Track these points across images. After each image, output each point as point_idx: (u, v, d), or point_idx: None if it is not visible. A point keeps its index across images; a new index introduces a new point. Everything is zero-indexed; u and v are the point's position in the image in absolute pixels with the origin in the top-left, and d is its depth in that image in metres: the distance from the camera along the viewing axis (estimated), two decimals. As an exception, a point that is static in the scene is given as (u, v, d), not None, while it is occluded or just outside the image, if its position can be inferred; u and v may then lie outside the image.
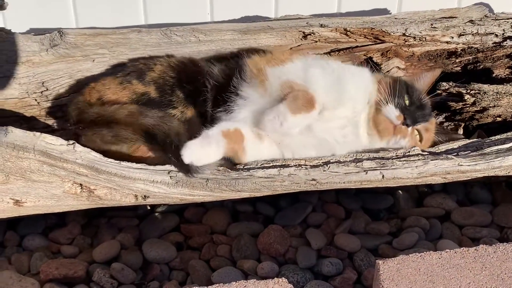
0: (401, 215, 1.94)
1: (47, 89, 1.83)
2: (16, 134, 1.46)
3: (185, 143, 1.50)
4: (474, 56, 1.99)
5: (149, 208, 1.96)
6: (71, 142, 1.50)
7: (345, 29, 1.89)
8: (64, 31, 1.83)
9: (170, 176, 1.54)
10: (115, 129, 1.57)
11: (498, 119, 1.94)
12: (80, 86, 1.81)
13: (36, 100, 1.83)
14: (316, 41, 1.92)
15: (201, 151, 1.51)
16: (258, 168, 1.58)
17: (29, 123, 1.84)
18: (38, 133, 1.48)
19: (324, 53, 1.96)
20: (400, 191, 2.00)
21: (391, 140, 1.62)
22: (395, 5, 2.34)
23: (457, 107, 1.88)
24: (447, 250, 1.50)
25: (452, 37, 1.94)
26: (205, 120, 1.66)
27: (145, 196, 1.58)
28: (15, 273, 1.69)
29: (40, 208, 1.61)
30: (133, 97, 1.64)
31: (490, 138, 1.72)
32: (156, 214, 1.95)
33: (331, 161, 1.61)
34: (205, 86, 1.68)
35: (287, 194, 1.71)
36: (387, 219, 1.93)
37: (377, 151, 1.64)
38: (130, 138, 1.56)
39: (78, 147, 1.50)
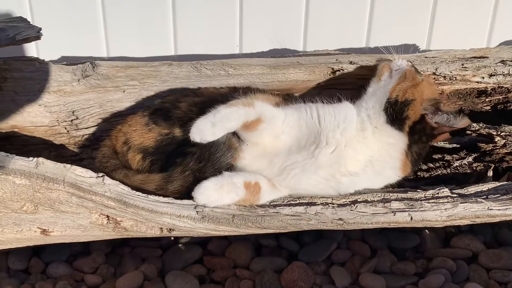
0: (428, 255, 1.91)
1: (77, 118, 1.86)
2: (47, 165, 1.48)
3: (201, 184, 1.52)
4: (504, 96, 1.97)
5: (172, 238, 1.96)
6: (100, 174, 1.51)
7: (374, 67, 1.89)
8: (97, 63, 1.86)
9: (197, 211, 1.54)
10: None
11: (529, 161, 1.91)
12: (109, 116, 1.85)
13: (65, 128, 1.86)
14: (345, 78, 1.92)
15: (218, 194, 1.53)
16: (285, 205, 1.58)
17: (57, 151, 1.87)
18: (68, 165, 1.49)
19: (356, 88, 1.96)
20: (426, 230, 1.97)
21: None
22: (424, 41, 2.33)
23: (487, 149, 1.85)
24: (476, 297, 1.47)
25: (483, 77, 1.92)
26: None
27: (170, 229, 1.58)
28: (39, 301, 1.70)
29: (66, 238, 1.62)
30: (158, 139, 1.65)
31: (521, 181, 1.70)
32: (180, 245, 1.94)
33: (359, 200, 1.60)
34: None
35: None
36: (413, 259, 1.89)
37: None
38: None
39: (107, 179, 1.51)
